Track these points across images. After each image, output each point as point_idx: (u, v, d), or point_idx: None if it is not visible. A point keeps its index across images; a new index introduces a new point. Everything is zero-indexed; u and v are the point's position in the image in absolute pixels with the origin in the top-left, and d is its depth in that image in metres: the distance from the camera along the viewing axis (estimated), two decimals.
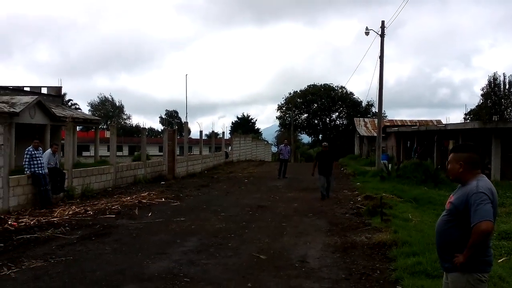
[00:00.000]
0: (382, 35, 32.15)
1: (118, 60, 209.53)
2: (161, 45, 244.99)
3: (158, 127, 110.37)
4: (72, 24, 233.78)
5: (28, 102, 29.23)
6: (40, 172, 15.13)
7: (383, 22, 32.22)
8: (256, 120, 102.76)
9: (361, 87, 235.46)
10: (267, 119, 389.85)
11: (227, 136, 54.45)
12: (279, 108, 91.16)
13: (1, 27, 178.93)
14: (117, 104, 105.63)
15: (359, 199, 17.50)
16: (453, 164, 4.49)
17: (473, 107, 64.88)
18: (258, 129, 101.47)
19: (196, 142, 50.96)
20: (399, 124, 56.52)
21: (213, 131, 46.26)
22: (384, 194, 16.71)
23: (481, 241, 4.11)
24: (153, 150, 59.82)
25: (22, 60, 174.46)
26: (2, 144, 13.50)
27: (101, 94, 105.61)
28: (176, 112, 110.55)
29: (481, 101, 63.50)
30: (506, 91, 62.13)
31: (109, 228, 11.92)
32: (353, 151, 64.63)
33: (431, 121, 60.36)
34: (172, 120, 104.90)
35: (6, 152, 13.85)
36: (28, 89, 39.88)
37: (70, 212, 13.97)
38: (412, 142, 39.70)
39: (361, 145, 60.44)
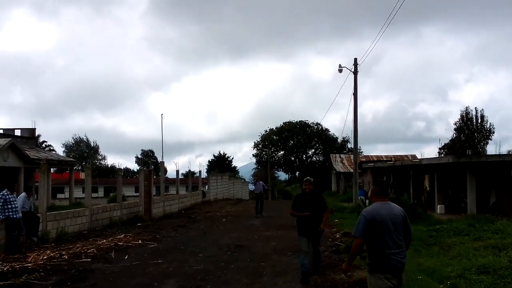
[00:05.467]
0: (355, 72, 32.65)
1: (92, 100, 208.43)
2: (136, 84, 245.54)
3: (134, 167, 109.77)
4: (47, 65, 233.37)
5: (1, 145, 28.87)
6: (14, 216, 14.81)
7: (355, 59, 32.78)
8: (232, 158, 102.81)
9: (337, 123, 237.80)
10: (244, 157, 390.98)
11: (204, 175, 54.26)
12: (256, 145, 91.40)
13: None
14: (92, 144, 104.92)
15: (337, 236, 17.49)
16: (369, 193, 6.42)
17: (447, 141, 65.67)
18: (235, 167, 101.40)
19: (172, 181, 50.61)
20: (375, 159, 56.99)
21: (189, 170, 46.08)
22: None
23: (354, 252, 6.02)
24: (129, 191, 59.21)
25: None
26: None
27: (75, 135, 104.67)
28: (152, 151, 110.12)
29: (455, 136, 64.34)
30: (478, 125, 63.07)
31: (85, 272, 11.68)
32: (330, 188, 64.84)
33: (406, 156, 60.94)
34: (148, 159, 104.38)
35: None
36: (1, 131, 39.42)
37: (45, 257, 13.67)
38: (388, 178, 39.98)
39: (338, 181, 60.66)
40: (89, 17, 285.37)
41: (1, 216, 14.70)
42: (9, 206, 14.75)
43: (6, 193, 14.83)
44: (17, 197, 15.57)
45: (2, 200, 14.71)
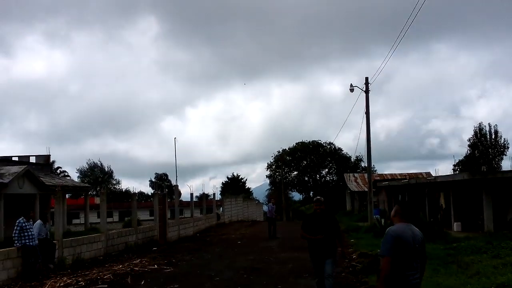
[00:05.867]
0: (366, 91, 32.69)
1: (106, 125, 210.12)
2: (149, 108, 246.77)
3: (148, 190, 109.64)
4: (60, 91, 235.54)
5: (16, 172, 29.12)
6: (31, 244, 14.89)
7: (366, 78, 32.86)
8: (246, 180, 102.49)
9: (350, 142, 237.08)
10: (258, 178, 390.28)
11: (218, 197, 54.23)
12: (269, 166, 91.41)
13: None
14: (106, 169, 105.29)
15: (354, 256, 17.33)
16: (392, 212, 6.32)
17: (461, 157, 65.29)
18: (248, 188, 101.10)
19: (187, 204, 50.68)
20: (389, 178, 56.68)
21: (203, 193, 46.28)
22: (379, 251, 16.56)
23: (385, 272, 5.76)
24: (144, 215, 59.27)
25: (10, 129, 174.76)
26: None
27: (90, 160, 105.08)
28: (166, 175, 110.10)
29: (469, 152, 63.96)
30: (492, 140, 62.69)
31: None
32: (345, 207, 64.48)
33: (421, 173, 60.70)
34: (162, 183, 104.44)
35: None
36: (16, 158, 39.81)
37: (62, 284, 13.68)
38: (403, 196, 39.72)
39: (353, 200, 60.38)
40: (101, 43, 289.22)
41: (17, 244, 14.80)
42: (26, 233, 14.85)
43: (22, 221, 14.94)
44: (33, 224, 15.67)
45: (18, 228, 14.82)
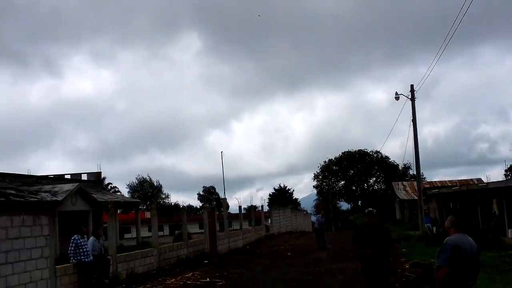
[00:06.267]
0: (412, 99, 32.31)
1: (153, 141, 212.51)
2: (195, 123, 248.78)
3: (197, 203, 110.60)
4: (108, 109, 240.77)
5: (69, 190, 29.82)
6: (86, 260, 15.23)
7: (412, 86, 32.48)
8: (293, 190, 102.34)
9: (397, 150, 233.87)
10: (304, 188, 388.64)
11: (266, 208, 54.30)
12: (315, 177, 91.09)
13: (40, 116, 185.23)
14: (155, 184, 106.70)
15: (406, 266, 17.09)
16: (447, 223, 6.35)
17: None
18: (296, 199, 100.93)
19: (235, 217, 50.98)
20: (439, 185, 55.75)
21: (252, 205, 46.46)
22: (432, 260, 16.31)
23: (440, 280, 5.89)
24: (193, 228, 59.81)
25: (61, 147, 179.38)
26: (47, 235, 13.70)
27: (139, 175, 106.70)
28: (213, 188, 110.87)
29: None
30: None
31: None
32: (395, 216, 63.68)
33: (471, 180, 59.48)
34: (210, 196, 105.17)
35: (52, 242, 14.04)
36: (68, 176, 40.88)
37: None
38: (454, 204, 38.99)
39: (402, 209, 59.59)
40: (145, 60, 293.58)
41: (73, 260, 15.14)
42: (81, 250, 15.20)
43: (77, 238, 15.30)
44: (87, 241, 16.04)
45: (73, 245, 15.18)
